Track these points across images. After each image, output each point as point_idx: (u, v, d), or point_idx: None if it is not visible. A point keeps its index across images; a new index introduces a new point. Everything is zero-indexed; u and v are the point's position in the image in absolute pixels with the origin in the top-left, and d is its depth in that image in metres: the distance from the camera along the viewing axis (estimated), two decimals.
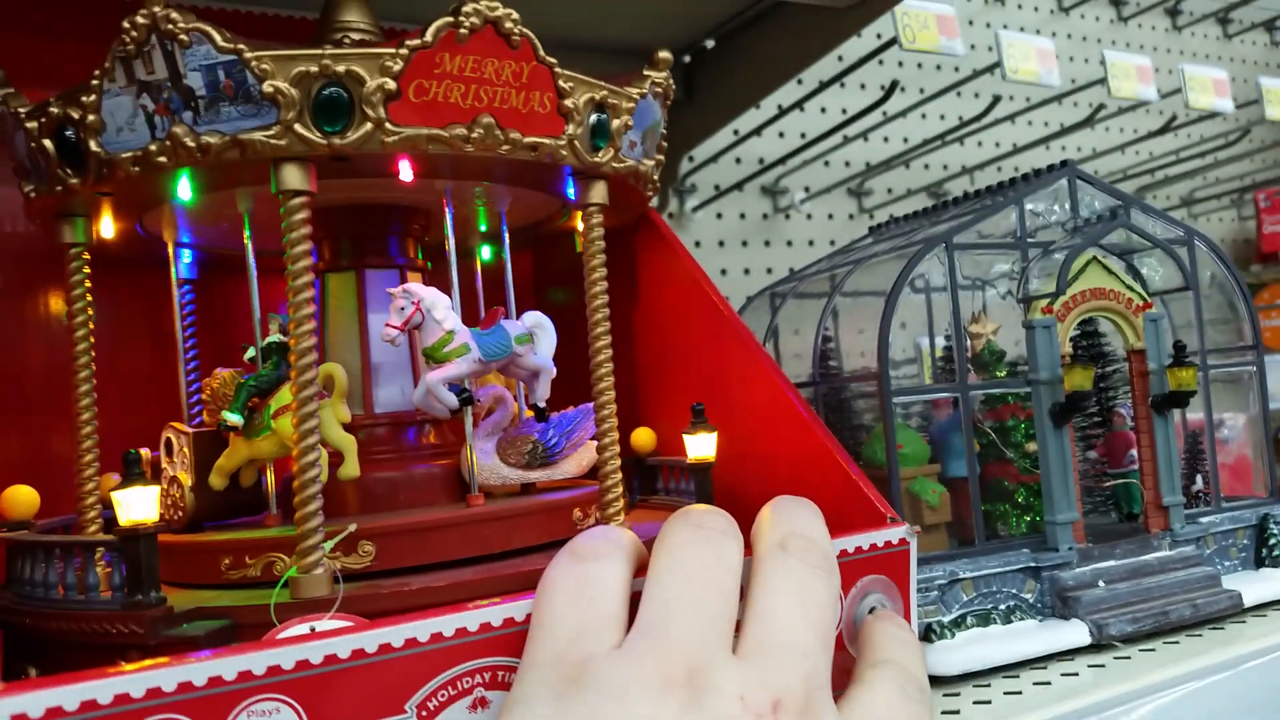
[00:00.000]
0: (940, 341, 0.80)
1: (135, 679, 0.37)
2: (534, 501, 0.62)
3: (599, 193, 0.60)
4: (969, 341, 0.75)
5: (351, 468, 0.60)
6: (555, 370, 0.67)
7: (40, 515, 0.63)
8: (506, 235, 0.71)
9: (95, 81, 0.52)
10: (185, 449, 0.65)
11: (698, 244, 1.37)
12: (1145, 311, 0.72)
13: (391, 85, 0.50)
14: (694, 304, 0.75)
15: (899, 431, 0.68)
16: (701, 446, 0.65)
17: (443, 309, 0.61)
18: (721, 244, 1.38)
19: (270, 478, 0.65)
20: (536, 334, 0.66)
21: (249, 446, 0.63)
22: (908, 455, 0.70)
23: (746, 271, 1.40)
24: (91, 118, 0.52)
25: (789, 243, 1.44)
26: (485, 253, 0.79)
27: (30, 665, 0.52)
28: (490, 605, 0.43)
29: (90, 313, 0.60)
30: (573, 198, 0.62)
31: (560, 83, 0.55)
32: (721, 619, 0.40)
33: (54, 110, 0.54)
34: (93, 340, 0.60)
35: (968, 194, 0.87)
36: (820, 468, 0.63)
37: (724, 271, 1.38)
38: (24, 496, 0.60)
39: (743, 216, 1.41)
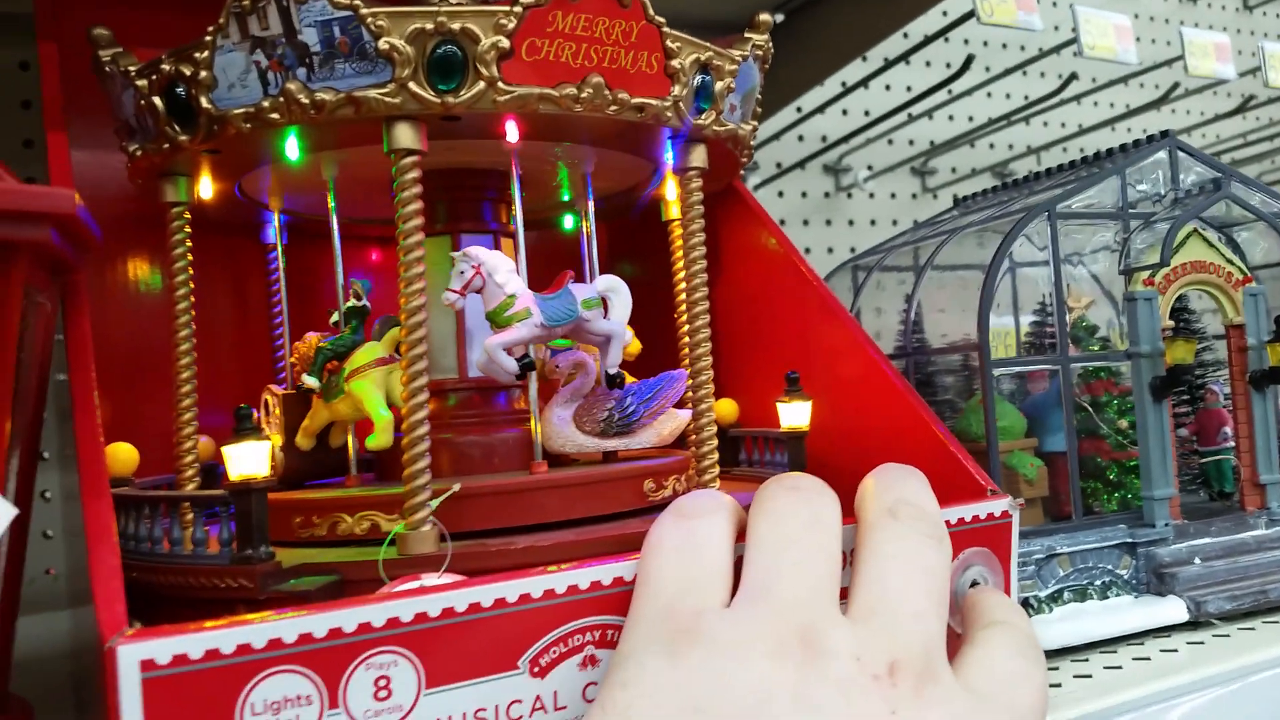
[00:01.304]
0: (1026, 318, 0.79)
1: (257, 629, 0.37)
2: (594, 471, 0.60)
3: (699, 156, 0.60)
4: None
5: (383, 439, 0.59)
6: (629, 336, 0.65)
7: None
8: (591, 201, 0.71)
9: (209, 38, 0.52)
10: (277, 410, 0.66)
11: None
12: (1245, 286, 0.71)
13: (505, 43, 0.50)
14: (779, 273, 0.75)
15: (996, 404, 0.67)
16: (795, 415, 0.64)
17: (504, 272, 0.59)
18: (783, 222, 1.37)
19: (351, 440, 0.65)
20: (610, 298, 0.63)
21: (328, 409, 0.63)
22: (1004, 429, 0.68)
23: (808, 250, 1.39)
24: (204, 74, 0.52)
25: (850, 222, 1.42)
26: (568, 222, 0.79)
27: (135, 619, 0.53)
28: (599, 563, 0.43)
29: (191, 272, 0.61)
30: (669, 162, 0.61)
31: (668, 43, 0.55)
32: (827, 580, 0.40)
33: (165, 67, 0.54)
34: (193, 300, 0.61)
35: (1036, 174, 0.85)
36: (915, 439, 0.62)
37: None
38: (125, 454, 0.61)
39: (804, 195, 1.39)
